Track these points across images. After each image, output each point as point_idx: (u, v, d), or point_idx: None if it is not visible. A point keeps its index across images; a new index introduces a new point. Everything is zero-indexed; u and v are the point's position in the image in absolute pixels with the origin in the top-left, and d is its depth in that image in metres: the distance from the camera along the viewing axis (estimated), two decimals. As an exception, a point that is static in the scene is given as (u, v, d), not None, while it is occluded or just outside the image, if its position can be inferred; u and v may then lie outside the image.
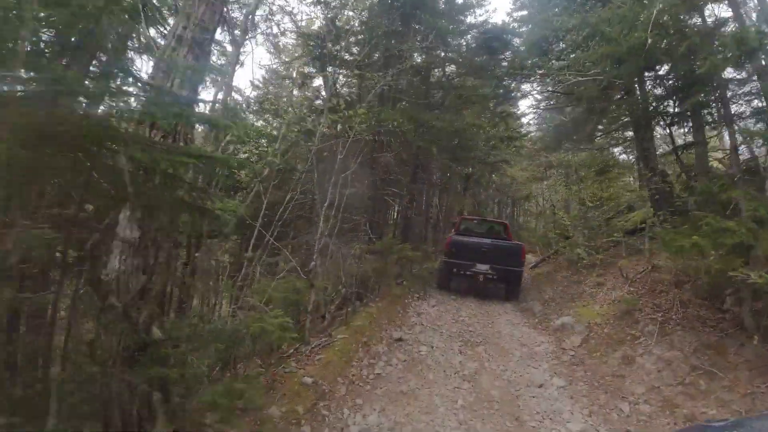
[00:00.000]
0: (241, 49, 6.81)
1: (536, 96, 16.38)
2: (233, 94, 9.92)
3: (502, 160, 17.17)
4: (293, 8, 27.13)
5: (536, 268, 15.45)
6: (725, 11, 7.64)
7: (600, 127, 15.22)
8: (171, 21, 3.94)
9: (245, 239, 6.38)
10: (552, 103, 16.51)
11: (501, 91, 13.41)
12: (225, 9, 5.36)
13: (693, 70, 6.91)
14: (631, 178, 18.75)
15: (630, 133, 16.99)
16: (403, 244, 9.66)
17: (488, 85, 12.80)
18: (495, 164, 22.68)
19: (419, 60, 13.20)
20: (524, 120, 21.77)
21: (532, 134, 21.92)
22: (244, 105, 11.37)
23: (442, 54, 14.38)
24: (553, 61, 12.82)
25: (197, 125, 3.11)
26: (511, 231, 12.02)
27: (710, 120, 9.23)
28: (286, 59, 13.87)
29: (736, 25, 6.07)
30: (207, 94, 7.63)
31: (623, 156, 17.47)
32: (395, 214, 16.71)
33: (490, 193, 29.67)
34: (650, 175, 11.66)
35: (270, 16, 10.09)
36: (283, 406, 3.67)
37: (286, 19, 13.11)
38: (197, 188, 2.85)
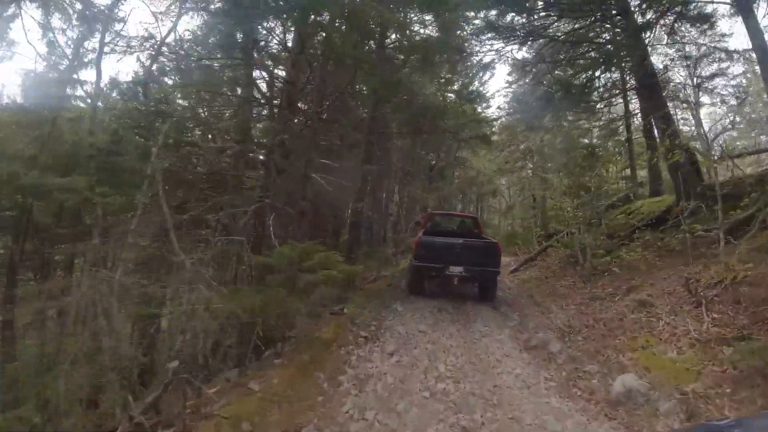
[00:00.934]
0: None
1: (511, 64, 13.27)
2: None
3: (475, 135, 13.83)
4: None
5: (518, 272, 12.31)
6: None
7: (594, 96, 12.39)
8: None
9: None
10: (531, 71, 13.52)
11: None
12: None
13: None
14: (612, 168, 16.09)
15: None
16: (333, 249, 6.10)
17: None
18: (464, 146, 19.68)
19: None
20: (494, 104, 18.74)
21: (503, 119, 19.03)
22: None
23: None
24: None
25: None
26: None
27: None
28: None
29: None
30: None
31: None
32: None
33: (454, 189, 26.55)
34: (670, 152, 8.65)
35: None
36: None
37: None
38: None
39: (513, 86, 19.81)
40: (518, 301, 8.72)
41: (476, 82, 18.25)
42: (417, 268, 7.45)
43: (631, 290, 6.70)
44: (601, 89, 13.59)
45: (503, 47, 11.39)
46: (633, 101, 14.42)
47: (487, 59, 11.89)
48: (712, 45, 11.96)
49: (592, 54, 11.11)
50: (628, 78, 13.92)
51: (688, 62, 11.87)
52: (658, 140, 9.64)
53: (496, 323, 6.93)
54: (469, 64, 18.75)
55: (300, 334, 4.94)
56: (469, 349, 5.52)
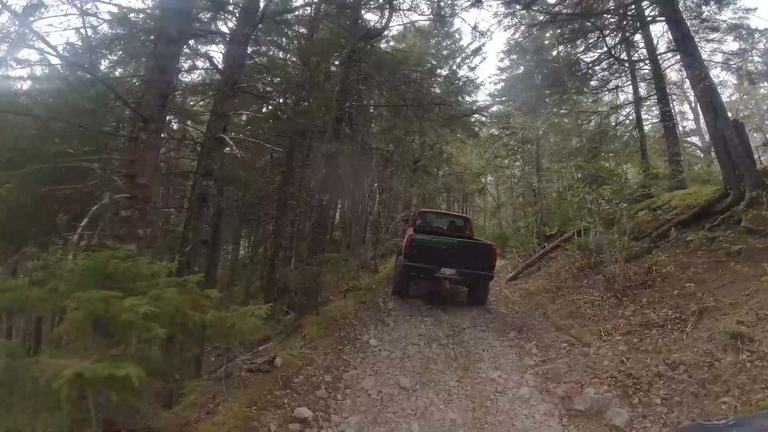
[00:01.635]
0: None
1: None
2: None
3: (464, 114, 11.67)
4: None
5: (518, 279, 10.22)
6: None
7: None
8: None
9: None
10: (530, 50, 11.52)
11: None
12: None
13: None
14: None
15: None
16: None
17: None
18: (451, 139, 17.58)
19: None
20: (482, 96, 16.69)
21: (495, 107, 17.04)
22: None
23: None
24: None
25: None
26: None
27: None
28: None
29: None
30: None
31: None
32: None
33: (439, 186, 24.44)
34: (715, 128, 6.72)
35: None
36: None
37: None
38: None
39: (505, 74, 17.87)
40: (530, 323, 6.57)
41: (465, 68, 16.25)
42: (407, 268, 6.62)
43: (705, 313, 4.62)
44: (609, 68, 11.67)
45: (504, 12, 9.29)
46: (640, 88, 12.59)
47: (482, 26, 9.71)
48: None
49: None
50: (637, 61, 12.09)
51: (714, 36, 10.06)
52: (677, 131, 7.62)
53: (511, 363, 4.78)
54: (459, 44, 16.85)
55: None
56: (482, 421, 3.28)
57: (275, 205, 10.41)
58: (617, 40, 11.03)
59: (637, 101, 12.41)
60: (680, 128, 18.15)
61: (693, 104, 18.39)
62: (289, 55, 11.92)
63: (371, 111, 9.77)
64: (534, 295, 8.24)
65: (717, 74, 11.20)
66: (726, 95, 15.70)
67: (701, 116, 11.96)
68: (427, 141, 14.49)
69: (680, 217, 7.73)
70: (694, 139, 19.96)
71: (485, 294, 7.16)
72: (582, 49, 10.94)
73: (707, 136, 13.30)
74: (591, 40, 11.51)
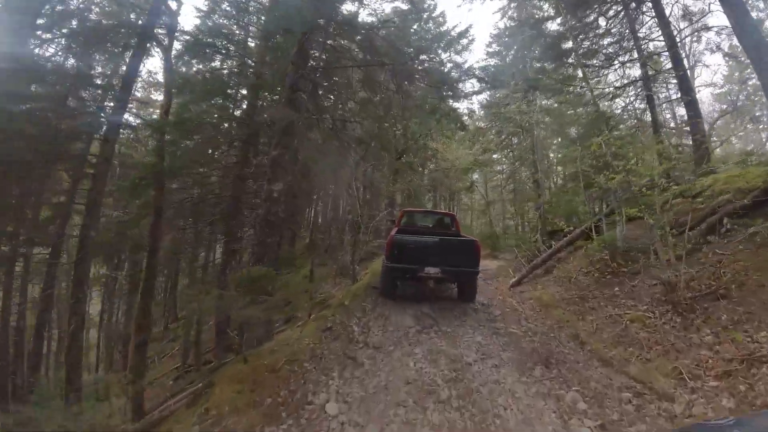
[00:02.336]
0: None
1: None
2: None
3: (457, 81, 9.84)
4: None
5: (523, 284, 8.40)
6: None
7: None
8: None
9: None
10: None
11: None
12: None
13: None
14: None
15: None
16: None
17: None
18: (437, 135, 15.76)
19: None
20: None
21: (485, 95, 15.30)
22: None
23: None
24: None
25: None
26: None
27: None
28: None
29: None
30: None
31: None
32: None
33: (425, 182, 22.62)
34: None
35: None
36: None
37: None
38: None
39: (494, 59, 16.15)
40: (559, 351, 4.71)
41: (451, 52, 14.46)
42: (390, 269, 6.40)
43: None
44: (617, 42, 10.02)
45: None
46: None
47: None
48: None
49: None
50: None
51: None
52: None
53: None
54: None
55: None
56: None
57: (229, 201, 8.37)
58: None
59: (646, 78, 10.78)
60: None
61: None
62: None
63: (343, 83, 7.86)
64: (551, 308, 6.39)
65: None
66: None
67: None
68: (411, 126, 12.62)
69: (732, 204, 6.01)
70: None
71: (474, 291, 6.82)
72: (588, 15, 9.20)
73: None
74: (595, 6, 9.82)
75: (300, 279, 15.72)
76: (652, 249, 5.71)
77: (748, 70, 17.46)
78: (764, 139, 20.45)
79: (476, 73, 8.84)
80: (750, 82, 18.04)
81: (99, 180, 6.64)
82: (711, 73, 30.33)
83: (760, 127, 20.10)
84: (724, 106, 19.73)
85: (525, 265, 9.34)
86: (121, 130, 9.26)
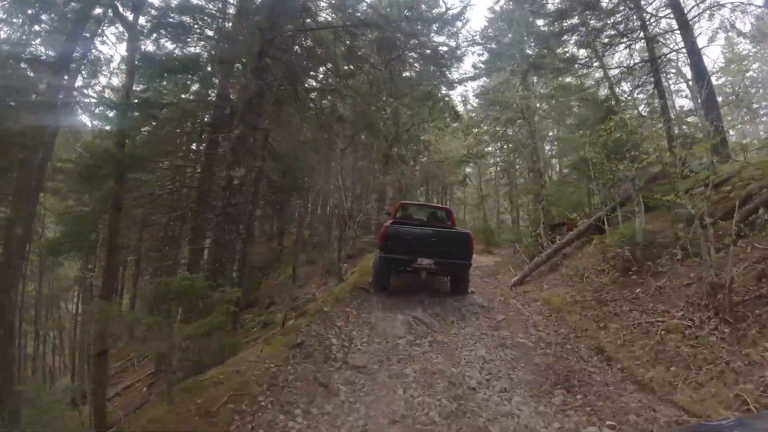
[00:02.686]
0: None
1: None
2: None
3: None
4: None
5: (526, 283, 7.58)
6: None
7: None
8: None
9: None
10: None
11: None
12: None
13: None
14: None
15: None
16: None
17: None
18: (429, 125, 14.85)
19: None
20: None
21: (481, 80, 14.41)
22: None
23: None
24: None
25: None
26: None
27: None
28: None
29: None
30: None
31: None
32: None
33: (417, 177, 21.72)
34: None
35: None
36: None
37: None
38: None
39: (491, 43, 15.21)
40: (580, 368, 3.85)
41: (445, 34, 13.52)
42: (384, 260, 6.17)
43: None
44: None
45: None
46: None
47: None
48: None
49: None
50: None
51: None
52: None
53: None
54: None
55: None
56: None
57: (195, 194, 7.38)
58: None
59: (654, 60, 9.94)
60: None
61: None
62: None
63: (324, 57, 6.86)
64: (563, 312, 5.54)
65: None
66: None
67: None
68: (402, 113, 11.70)
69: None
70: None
71: (466, 284, 6.69)
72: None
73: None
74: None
75: (286, 279, 14.80)
76: (680, 244, 4.87)
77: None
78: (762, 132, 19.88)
79: (476, 39, 7.84)
80: (748, 74, 17.45)
81: (26, 168, 5.60)
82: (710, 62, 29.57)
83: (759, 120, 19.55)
84: (720, 99, 19.11)
85: (527, 262, 8.50)
86: (77, 117, 8.21)
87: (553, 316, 5.50)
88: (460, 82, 12.89)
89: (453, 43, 13.44)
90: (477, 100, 17.26)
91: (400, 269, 6.36)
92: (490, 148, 19.74)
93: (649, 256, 5.75)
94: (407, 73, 14.08)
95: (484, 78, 14.50)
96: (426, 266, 6.00)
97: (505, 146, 16.13)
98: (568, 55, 9.11)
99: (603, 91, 10.89)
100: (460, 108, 15.38)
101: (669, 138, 8.67)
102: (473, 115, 18.84)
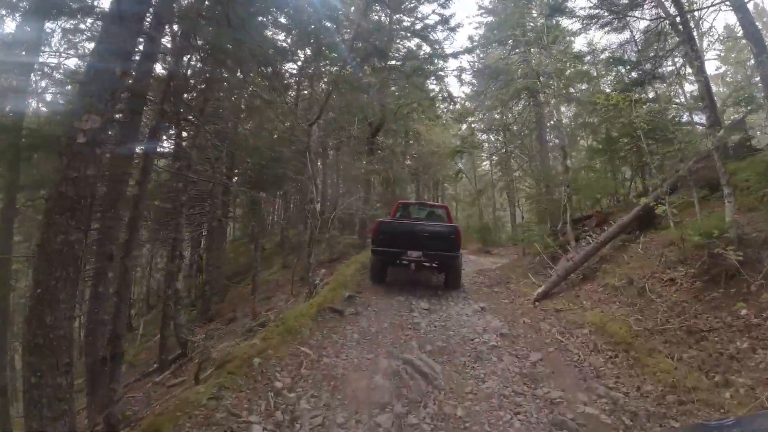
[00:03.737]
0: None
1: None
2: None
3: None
4: None
5: (549, 296, 5.60)
6: None
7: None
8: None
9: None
10: None
11: None
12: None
13: None
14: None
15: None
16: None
17: None
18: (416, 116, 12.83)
19: None
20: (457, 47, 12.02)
21: (477, 53, 12.46)
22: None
23: None
24: None
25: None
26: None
27: None
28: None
29: None
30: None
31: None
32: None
33: (405, 171, 19.68)
34: None
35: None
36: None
37: None
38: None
39: (489, 16, 13.30)
40: None
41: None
42: (377, 253, 6.37)
43: None
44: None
45: None
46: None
47: None
48: None
49: None
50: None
51: None
52: None
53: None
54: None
55: None
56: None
57: (106, 184, 5.27)
58: None
59: (685, 20, 8.06)
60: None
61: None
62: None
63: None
64: (634, 348, 3.55)
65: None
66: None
67: None
68: (391, 93, 9.76)
69: None
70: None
71: (458, 277, 6.66)
72: None
73: None
74: None
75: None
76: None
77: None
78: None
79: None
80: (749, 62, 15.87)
81: None
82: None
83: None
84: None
85: (550, 266, 6.55)
86: None
87: (621, 357, 3.52)
88: (455, 55, 10.94)
89: (446, 12, 11.51)
90: (472, 85, 15.28)
91: (393, 262, 6.45)
92: (485, 137, 17.88)
93: (748, 259, 3.84)
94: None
95: (479, 53, 12.52)
96: (416, 258, 6.09)
97: (506, 132, 14.21)
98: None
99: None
100: (454, 89, 13.40)
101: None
102: (468, 104, 16.90)
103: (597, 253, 6.00)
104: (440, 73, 11.06)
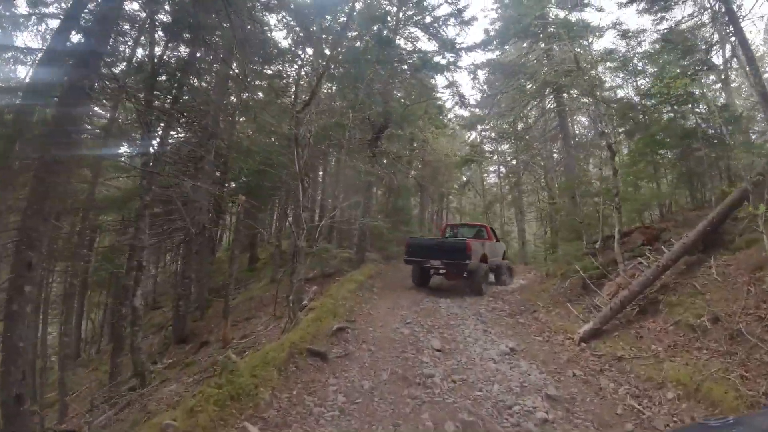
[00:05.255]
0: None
1: None
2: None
3: None
4: None
5: (604, 337, 4.21)
6: None
7: None
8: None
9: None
10: None
11: None
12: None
13: None
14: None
15: None
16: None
17: None
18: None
19: None
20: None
21: (493, 46, 11.28)
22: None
23: None
24: None
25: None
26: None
27: None
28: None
29: None
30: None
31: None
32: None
33: (410, 181, 18.42)
34: None
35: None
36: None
37: None
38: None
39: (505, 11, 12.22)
40: None
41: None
42: (408, 262, 8.00)
43: None
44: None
45: None
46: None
47: None
48: None
49: None
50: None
51: None
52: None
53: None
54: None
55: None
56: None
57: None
58: None
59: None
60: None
61: None
62: None
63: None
64: None
65: None
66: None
67: None
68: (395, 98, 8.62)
69: None
70: None
71: (479, 286, 7.46)
72: None
73: None
74: None
75: (240, 302, 11.29)
76: None
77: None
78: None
79: None
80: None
81: None
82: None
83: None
84: None
85: (597, 292, 5.21)
86: None
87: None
88: (468, 49, 9.77)
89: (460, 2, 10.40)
90: (482, 92, 14.12)
91: (422, 268, 7.85)
92: (496, 146, 16.67)
93: None
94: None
95: (496, 49, 11.31)
96: (436, 266, 7.40)
97: (519, 141, 12.94)
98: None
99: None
100: (466, 92, 12.22)
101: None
102: (478, 111, 15.68)
103: (658, 280, 4.67)
104: (452, 68, 9.88)
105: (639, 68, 8.01)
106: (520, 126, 12.90)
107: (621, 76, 8.23)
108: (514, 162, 15.98)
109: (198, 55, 7.72)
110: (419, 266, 7.84)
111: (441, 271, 7.73)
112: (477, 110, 15.63)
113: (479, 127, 16.33)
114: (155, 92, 7.37)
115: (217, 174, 12.58)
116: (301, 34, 8.37)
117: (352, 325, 4.59)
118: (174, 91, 7.27)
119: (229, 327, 6.52)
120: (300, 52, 11.76)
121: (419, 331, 4.69)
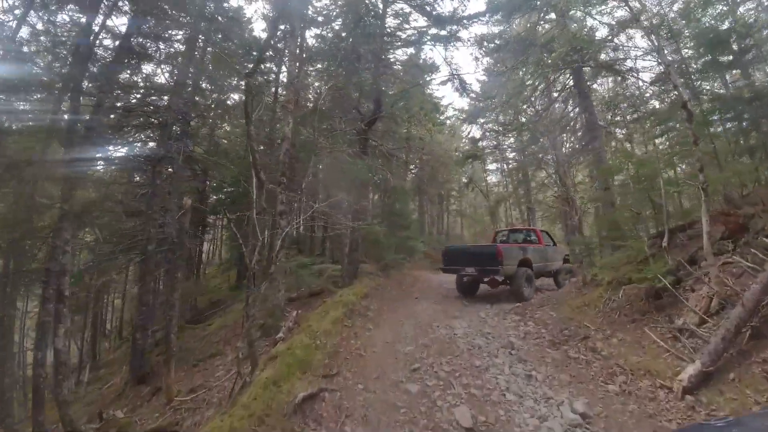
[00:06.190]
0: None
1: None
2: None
3: None
4: None
5: (718, 385, 2.53)
6: None
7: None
8: None
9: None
10: None
11: None
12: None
13: None
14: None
15: None
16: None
17: None
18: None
19: None
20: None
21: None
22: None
23: None
24: None
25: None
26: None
27: None
28: None
29: None
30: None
31: None
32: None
33: (408, 183, 16.88)
34: None
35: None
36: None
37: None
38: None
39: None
40: None
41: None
42: (446, 271, 7.94)
43: None
44: None
45: None
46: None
47: None
48: None
49: None
50: None
51: None
52: None
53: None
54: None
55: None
56: None
57: None
58: None
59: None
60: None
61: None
62: None
63: None
64: None
65: None
66: None
67: None
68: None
69: None
70: None
71: (519, 290, 7.21)
72: None
73: None
74: None
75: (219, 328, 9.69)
76: None
77: None
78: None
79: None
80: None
81: None
82: None
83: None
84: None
85: (689, 310, 3.61)
86: None
87: None
88: (468, 18, 8.29)
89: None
90: (481, 83, 12.67)
91: (458, 274, 7.78)
92: (501, 139, 15.09)
93: None
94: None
95: (500, 21, 9.77)
96: (470, 273, 7.33)
97: (528, 130, 11.43)
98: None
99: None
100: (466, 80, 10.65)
101: None
102: (480, 104, 14.17)
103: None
104: (452, 41, 8.37)
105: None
106: (529, 111, 11.34)
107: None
108: (521, 156, 14.42)
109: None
110: (461, 276, 7.84)
111: (485, 279, 7.62)
112: (479, 101, 14.12)
113: (481, 120, 14.82)
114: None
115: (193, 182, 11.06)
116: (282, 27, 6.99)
117: (329, 385, 2.98)
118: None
119: (173, 376, 4.88)
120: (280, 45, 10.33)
121: (434, 387, 3.09)
